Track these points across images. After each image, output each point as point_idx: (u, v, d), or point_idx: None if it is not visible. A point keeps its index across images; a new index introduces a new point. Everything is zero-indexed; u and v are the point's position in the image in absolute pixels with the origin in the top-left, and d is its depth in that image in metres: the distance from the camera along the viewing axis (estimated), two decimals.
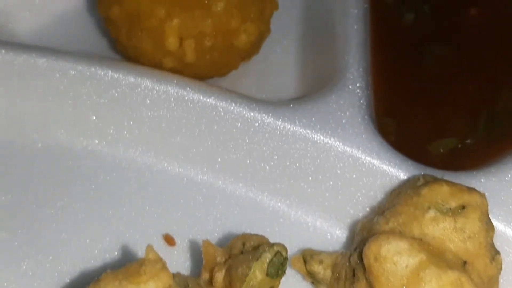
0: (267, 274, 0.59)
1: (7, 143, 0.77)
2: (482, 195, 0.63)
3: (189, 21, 0.75)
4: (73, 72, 0.76)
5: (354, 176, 0.72)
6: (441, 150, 0.77)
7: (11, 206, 0.73)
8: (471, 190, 0.63)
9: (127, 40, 0.78)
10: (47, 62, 0.76)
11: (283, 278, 0.63)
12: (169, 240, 0.72)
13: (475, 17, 0.90)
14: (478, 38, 0.88)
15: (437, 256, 0.59)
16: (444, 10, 0.90)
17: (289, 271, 0.65)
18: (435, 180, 0.64)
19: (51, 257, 0.70)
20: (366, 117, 0.74)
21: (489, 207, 0.65)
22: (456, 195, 0.62)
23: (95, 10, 0.80)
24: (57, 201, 0.73)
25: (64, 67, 0.76)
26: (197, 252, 0.68)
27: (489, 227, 0.62)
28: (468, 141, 0.78)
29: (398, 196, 0.66)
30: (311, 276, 0.68)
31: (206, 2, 0.76)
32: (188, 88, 0.76)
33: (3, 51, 0.77)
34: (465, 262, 0.60)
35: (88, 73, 0.76)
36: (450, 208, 0.62)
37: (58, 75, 0.76)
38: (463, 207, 0.62)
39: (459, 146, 0.77)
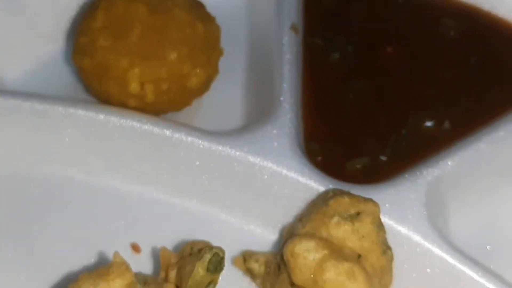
0: (207, 270, 0.75)
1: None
2: (375, 204, 0.79)
3: (148, 69, 0.91)
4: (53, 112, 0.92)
5: (284, 191, 0.87)
6: (357, 167, 0.93)
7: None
8: (367, 200, 0.79)
9: (98, 86, 0.93)
10: (31, 105, 0.93)
11: (229, 274, 0.80)
12: (135, 248, 0.88)
13: (390, 55, 1.05)
14: (392, 73, 1.02)
15: (337, 252, 0.75)
16: (364, 49, 1.04)
17: (232, 269, 0.84)
18: (341, 193, 0.80)
19: (38, 265, 0.86)
20: (294, 143, 0.91)
21: (389, 211, 0.82)
22: (354, 205, 0.78)
23: (70, 59, 0.97)
24: (42, 221, 0.90)
25: (46, 109, 0.93)
26: (157, 257, 0.84)
27: (380, 228, 0.78)
28: (379, 159, 0.94)
29: (313, 206, 0.81)
30: (249, 272, 0.83)
31: (161, 53, 0.91)
32: (148, 122, 0.92)
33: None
34: (359, 256, 0.76)
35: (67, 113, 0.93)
36: (349, 215, 0.78)
37: (42, 115, 0.93)
38: (358, 214, 0.78)
39: (371, 163, 0.94)
